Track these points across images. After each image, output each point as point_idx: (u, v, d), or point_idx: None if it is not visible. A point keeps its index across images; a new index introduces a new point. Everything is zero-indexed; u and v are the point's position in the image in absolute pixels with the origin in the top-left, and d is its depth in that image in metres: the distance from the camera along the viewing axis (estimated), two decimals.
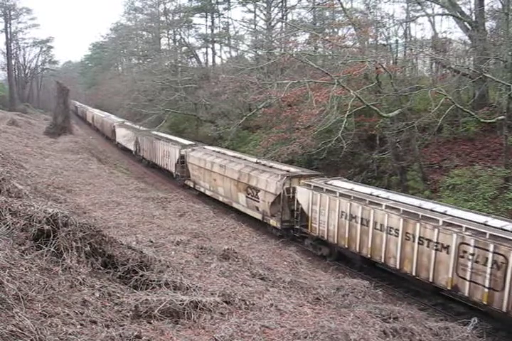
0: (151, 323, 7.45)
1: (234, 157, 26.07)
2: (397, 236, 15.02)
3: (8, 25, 77.60)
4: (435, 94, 21.01)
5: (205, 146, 30.80)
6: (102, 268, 8.48)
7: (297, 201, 19.66)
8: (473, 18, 25.42)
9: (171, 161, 32.69)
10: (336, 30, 32.90)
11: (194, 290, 8.84)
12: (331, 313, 9.63)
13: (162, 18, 54.63)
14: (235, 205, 24.51)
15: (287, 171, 21.61)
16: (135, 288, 8.40)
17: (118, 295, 7.95)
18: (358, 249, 16.74)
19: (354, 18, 27.20)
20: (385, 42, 28.85)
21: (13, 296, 6.29)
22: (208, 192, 27.48)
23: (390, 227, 15.25)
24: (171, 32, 54.97)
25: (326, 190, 18.12)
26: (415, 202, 15.70)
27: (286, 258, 15.82)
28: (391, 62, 26.62)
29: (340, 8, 28.16)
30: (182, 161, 30.50)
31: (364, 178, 24.88)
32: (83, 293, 7.45)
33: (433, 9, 30.01)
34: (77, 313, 6.84)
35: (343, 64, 22.67)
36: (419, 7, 31.88)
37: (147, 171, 37.78)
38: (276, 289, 10.81)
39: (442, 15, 28.83)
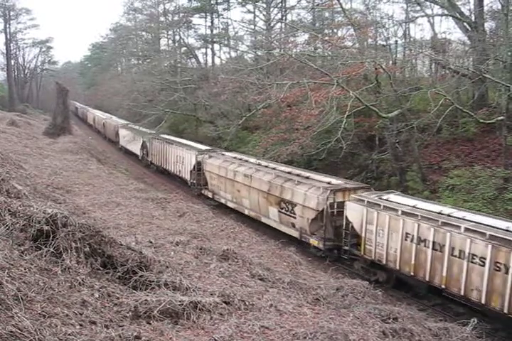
0: (150, 324, 7.46)
1: (259, 165, 23.43)
2: (482, 266, 12.64)
3: (8, 26, 77.58)
4: (434, 94, 21.04)
5: (224, 152, 28.22)
6: (101, 268, 8.49)
7: (347, 218, 17.09)
8: (473, 18, 25.46)
9: (185, 168, 30.00)
10: (335, 30, 33.02)
11: (193, 290, 8.85)
12: (331, 314, 9.63)
13: (161, 19, 54.66)
14: (264, 220, 21.83)
15: (328, 183, 19.14)
16: (134, 289, 8.41)
17: (117, 295, 7.95)
18: (427, 278, 14.25)
19: (353, 18, 27.26)
20: (384, 43, 28.91)
21: (12, 297, 6.29)
22: (230, 204, 24.83)
23: (473, 255, 12.86)
24: (170, 32, 55.02)
25: (384, 206, 15.64)
26: (500, 223, 13.37)
27: (286, 259, 15.85)
28: (390, 62, 26.66)
29: (340, 9, 28.22)
30: (198, 168, 27.85)
31: (363, 179, 24.89)
32: (82, 294, 7.45)
33: (432, 10, 30.10)
34: (76, 314, 6.84)
35: (342, 64, 22.70)
36: (418, 8, 31.94)
37: (147, 172, 37.76)
38: (276, 290, 10.81)
39: (442, 15, 28.87)
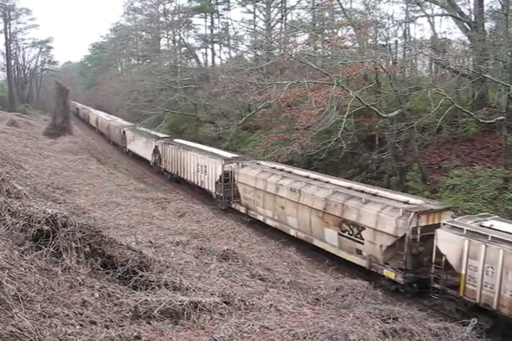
0: (150, 324, 7.46)
1: (308, 177, 20.33)
2: None
3: (8, 26, 77.53)
4: (434, 94, 21.06)
5: (260, 161, 24.71)
6: (101, 268, 8.49)
7: (438, 250, 13.97)
8: (473, 18, 25.51)
9: (208, 179, 26.75)
10: (335, 30, 32.96)
11: (194, 290, 8.85)
12: (331, 314, 9.63)
13: (161, 19, 54.75)
14: (317, 243, 18.73)
15: (405, 202, 16.03)
16: (134, 289, 8.41)
17: (117, 295, 7.95)
18: None
19: (353, 18, 27.32)
20: (384, 43, 28.97)
21: (12, 297, 6.29)
22: (269, 222, 21.63)
23: None
24: (170, 32, 55.08)
25: (493, 237, 12.55)
26: None
27: (286, 259, 15.83)
28: (390, 62, 26.69)
29: (340, 9, 28.21)
30: (226, 179, 24.65)
31: (363, 179, 24.89)
32: (83, 294, 7.46)
33: (432, 10, 30.22)
34: (76, 314, 6.85)
35: (342, 64, 22.72)
36: (418, 8, 32.01)
37: (146, 172, 37.77)
38: (276, 290, 10.81)
39: (442, 15, 28.94)
